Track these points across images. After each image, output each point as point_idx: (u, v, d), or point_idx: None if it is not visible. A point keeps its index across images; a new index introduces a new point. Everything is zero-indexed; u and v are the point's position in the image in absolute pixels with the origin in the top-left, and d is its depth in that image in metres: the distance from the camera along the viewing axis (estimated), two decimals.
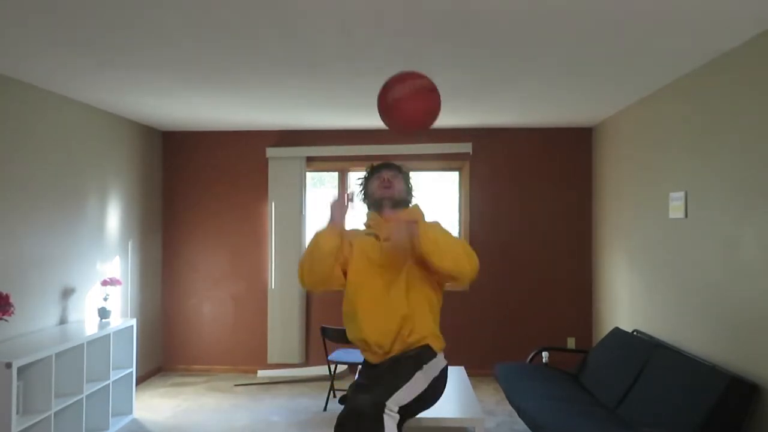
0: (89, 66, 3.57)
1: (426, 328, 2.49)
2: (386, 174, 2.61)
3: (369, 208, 2.70)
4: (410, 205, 2.68)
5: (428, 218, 2.56)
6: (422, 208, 2.67)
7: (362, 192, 2.72)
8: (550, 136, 5.76)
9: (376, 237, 2.55)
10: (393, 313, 2.44)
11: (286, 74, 3.76)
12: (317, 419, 4.56)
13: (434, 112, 2.30)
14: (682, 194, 3.75)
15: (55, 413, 3.59)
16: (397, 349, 2.47)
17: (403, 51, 3.26)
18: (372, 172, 2.69)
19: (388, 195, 2.59)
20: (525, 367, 4.44)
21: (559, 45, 3.14)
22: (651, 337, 4.13)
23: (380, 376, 2.33)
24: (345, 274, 2.55)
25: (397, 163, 2.74)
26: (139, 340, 5.28)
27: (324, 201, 2.59)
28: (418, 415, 3.46)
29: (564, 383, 4.11)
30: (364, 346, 2.53)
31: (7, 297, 3.39)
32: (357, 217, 2.79)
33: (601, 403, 3.82)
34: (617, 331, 4.44)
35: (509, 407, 4.60)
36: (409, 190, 2.68)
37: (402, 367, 2.35)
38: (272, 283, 5.79)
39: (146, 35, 2.99)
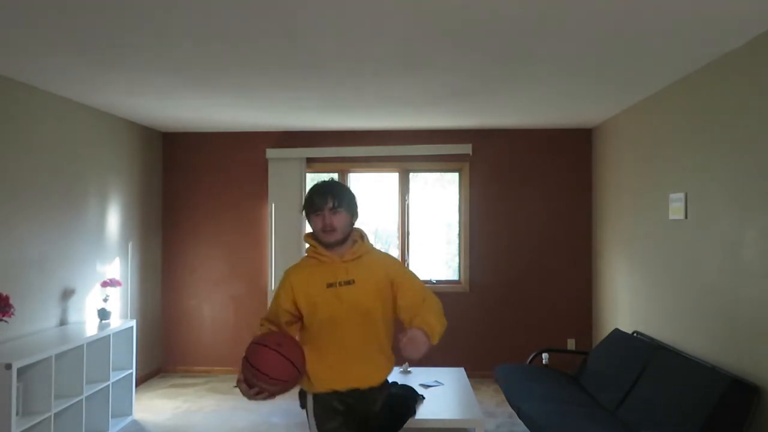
0: (90, 68, 3.57)
1: None
2: (327, 215, 2.22)
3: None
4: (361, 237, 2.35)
5: (406, 272, 2.38)
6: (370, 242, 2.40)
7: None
8: (550, 137, 5.76)
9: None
10: None
11: (286, 75, 3.76)
12: None
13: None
14: (682, 195, 3.75)
15: (55, 414, 3.59)
16: None
17: (403, 53, 3.26)
18: (309, 204, 2.27)
19: (333, 239, 2.25)
20: (525, 369, 4.43)
21: (559, 47, 3.14)
22: (651, 339, 4.13)
23: None
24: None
25: (336, 187, 2.29)
26: (138, 342, 5.28)
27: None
28: (419, 417, 3.48)
29: (564, 385, 4.11)
30: None
31: (7, 298, 3.39)
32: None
33: (601, 404, 3.82)
34: (617, 333, 4.44)
35: (509, 409, 4.60)
36: (353, 215, 2.33)
37: None
38: (272, 284, 5.78)
39: (147, 36, 2.99)
